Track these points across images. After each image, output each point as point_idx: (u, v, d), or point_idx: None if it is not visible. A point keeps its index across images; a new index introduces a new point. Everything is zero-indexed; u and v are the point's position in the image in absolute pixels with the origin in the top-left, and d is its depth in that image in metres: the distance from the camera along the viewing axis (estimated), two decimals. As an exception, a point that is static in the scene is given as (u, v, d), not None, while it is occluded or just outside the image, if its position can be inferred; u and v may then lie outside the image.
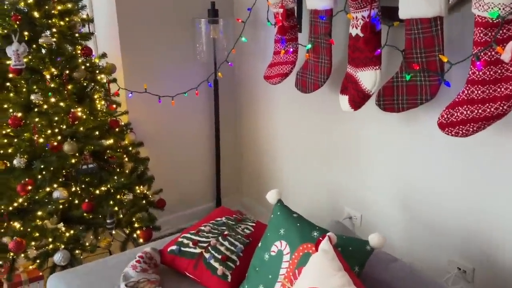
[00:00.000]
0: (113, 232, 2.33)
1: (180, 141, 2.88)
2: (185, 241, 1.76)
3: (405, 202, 2.05)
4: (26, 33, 2.01)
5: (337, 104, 2.05)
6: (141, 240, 2.34)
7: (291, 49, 2.14)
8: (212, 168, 3.07)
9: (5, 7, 2.01)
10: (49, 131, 2.08)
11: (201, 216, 2.88)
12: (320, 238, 1.33)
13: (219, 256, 1.66)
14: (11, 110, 2.03)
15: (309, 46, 2.01)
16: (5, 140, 2.06)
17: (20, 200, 2.07)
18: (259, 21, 2.58)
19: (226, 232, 1.78)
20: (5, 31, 2.01)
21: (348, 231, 1.76)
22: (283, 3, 2.05)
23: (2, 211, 2.04)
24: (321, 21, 1.92)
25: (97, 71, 2.27)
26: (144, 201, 2.44)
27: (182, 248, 1.73)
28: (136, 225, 2.37)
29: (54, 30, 2.07)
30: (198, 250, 1.71)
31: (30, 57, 2.04)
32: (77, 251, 2.17)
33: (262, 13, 2.46)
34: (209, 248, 1.70)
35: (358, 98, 1.83)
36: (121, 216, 2.34)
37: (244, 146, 3.11)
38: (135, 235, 2.36)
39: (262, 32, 2.62)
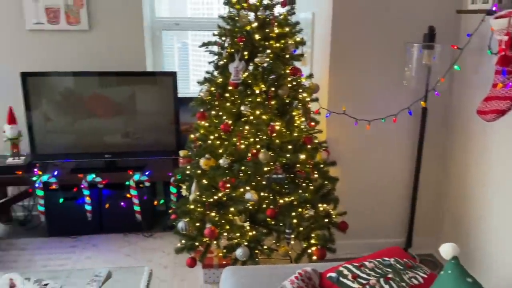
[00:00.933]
0: (292, 242, 2.43)
1: (374, 167, 2.79)
2: (345, 271, 1.70)
3: None
4: (246, 52, 2.31)
5: None
6: (314, 258, 2.37)
7: (511, 83, 1.80)
8: (406, 203, 2.85)
9: (236, 29, 2.36)
10: (251, 139, 2.33)
11: (385, 249, 2.72)
12: (489, 318, 1.08)
13: (374, 299, 1.54)
14: (224, 117, 2.37)
15: (534, 81, 1.65)
16: (217, 142, 2.41)
17: (220, 194, 2.38)
18: (484, 48, 2.25)
19: (390, 276, 1.63)
20: (232, 50, 2.35)
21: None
22: (509, 29, 1.74)
23: (205, 200, 2.39)
24: (555, 52, 1.55)
25: (301, 90, 2.41)
26: (326, 220, 2.46)
27: (341, 278, 1.68)
28: (312, 241, 2.41)
29: (269, 51, 2.31)
30: (355, 285, 1.62)
31: (247, 73, 2.33)
32: (256, 251, 2.36)
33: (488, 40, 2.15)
34: (367, 287, 1.59)
35: None
36: (301, 229, 2.41)
37: (449, 186, 2.76)
38: (310, 251, 2.41)
39: (486, 60, 2.28)
